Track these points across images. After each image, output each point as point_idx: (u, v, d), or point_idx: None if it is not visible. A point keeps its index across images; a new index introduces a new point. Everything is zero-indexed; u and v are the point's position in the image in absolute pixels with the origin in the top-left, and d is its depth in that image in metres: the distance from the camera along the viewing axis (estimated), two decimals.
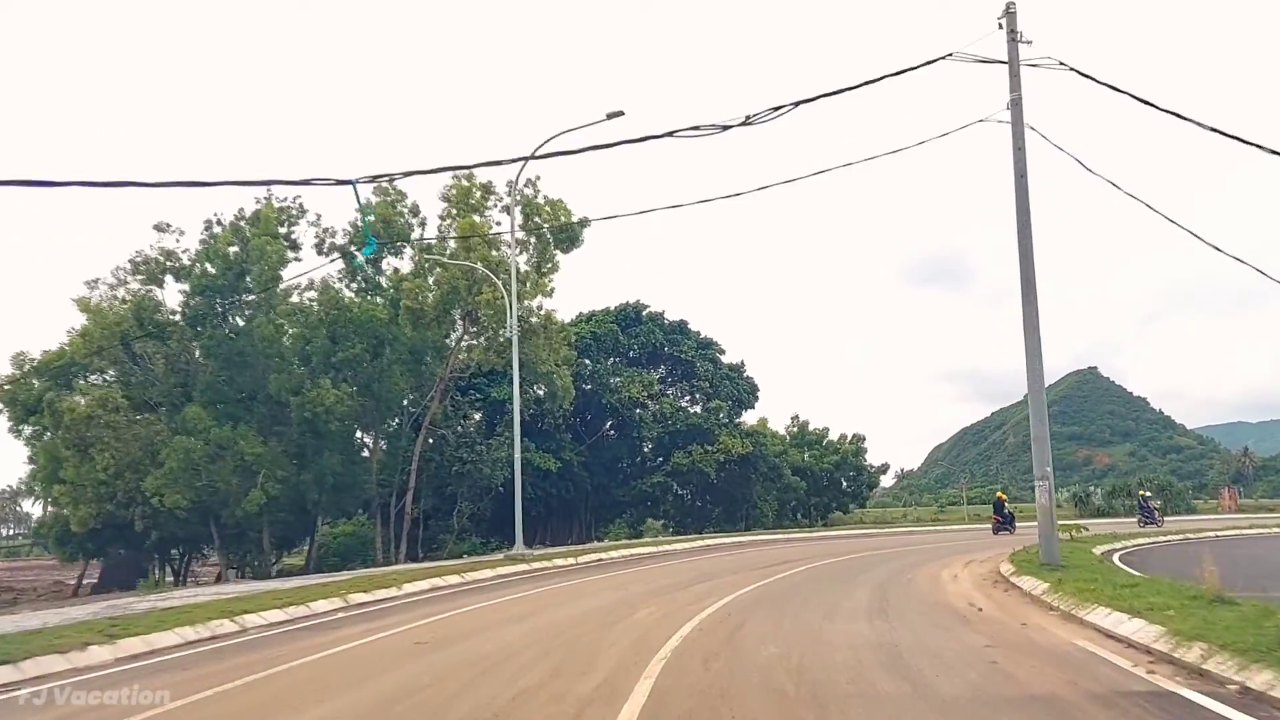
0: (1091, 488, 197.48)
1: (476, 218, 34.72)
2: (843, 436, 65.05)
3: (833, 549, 30.73)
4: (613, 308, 53.73)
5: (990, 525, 38.80)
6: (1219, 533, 35.49)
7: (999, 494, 43.16)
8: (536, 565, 24.89)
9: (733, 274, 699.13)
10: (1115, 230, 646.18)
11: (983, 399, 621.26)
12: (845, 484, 64.35)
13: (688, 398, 55.61)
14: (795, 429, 65.74)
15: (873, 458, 65.49)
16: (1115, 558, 23.67)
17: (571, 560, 26.71)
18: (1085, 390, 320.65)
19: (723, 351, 56.06)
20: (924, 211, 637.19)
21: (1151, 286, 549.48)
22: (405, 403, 39.96)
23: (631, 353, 53.78)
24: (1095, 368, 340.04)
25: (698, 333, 55.47)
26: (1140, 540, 30.73)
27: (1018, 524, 37.10)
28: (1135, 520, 41.54)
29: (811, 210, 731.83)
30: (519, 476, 28.04)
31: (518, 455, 28.10)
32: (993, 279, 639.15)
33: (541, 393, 42.14)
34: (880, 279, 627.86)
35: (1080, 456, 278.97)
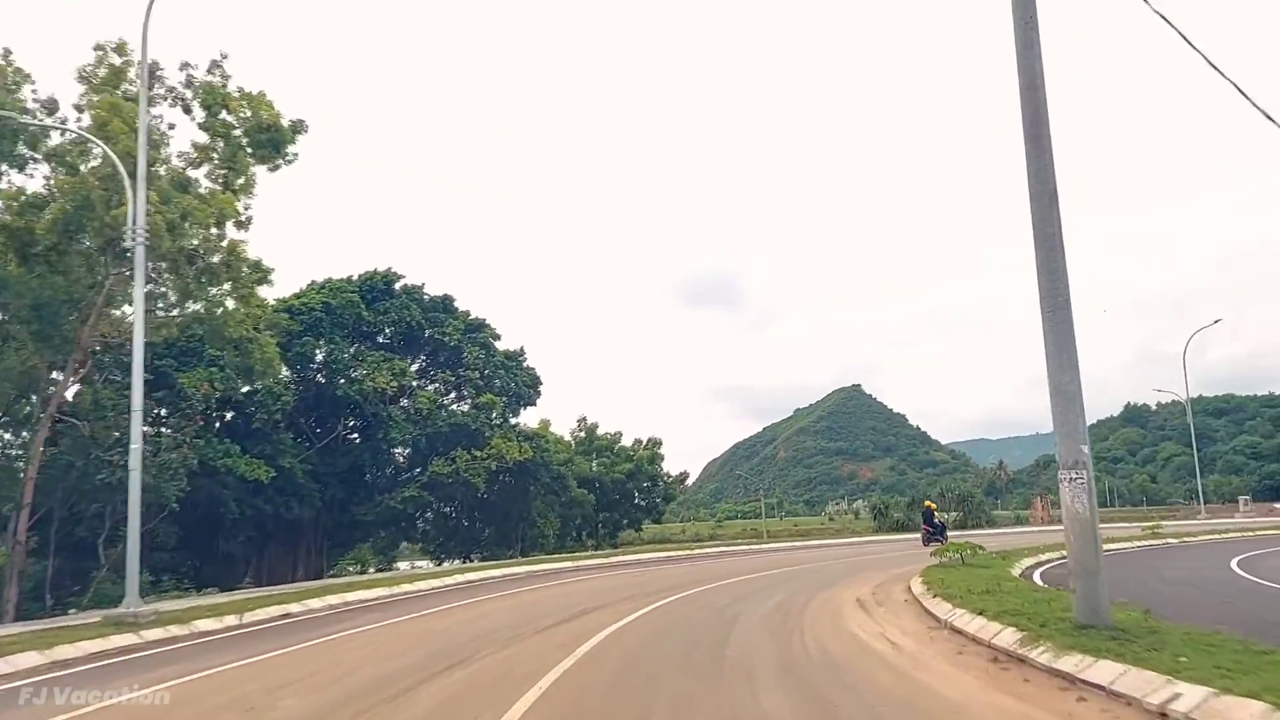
0: (860, 501, 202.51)
1: (121, 97, 22.90)
2: (637, 442, 56.38)
3: (651, 582, 21.55)
4: (356, 276, 42.22)
5: (920, 536, 35.41)
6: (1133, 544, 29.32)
7: (928, 503, 39.19)
8: (149, 636, 13.95)
9: (512, 258, 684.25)
10: (884, 258, 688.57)
11: (753, 415, 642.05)
12: (638, 496, 55.62)
13: (453, 392, 44.86)
14: (583, 433, 56.50)
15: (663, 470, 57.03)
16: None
17: (230, 621, 15.86)
18: (850, 407, 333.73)
19: (497, 336, 45.71)
20: (702, 230, 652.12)
21: (909, 311, 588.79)
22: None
23: (381, 334, 42.57)
24: (859, 385, 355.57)
25: (466, 312, 44.87)
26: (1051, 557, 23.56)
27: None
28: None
29: (601, 208, 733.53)
30: (135, 486, 16.60)
31: (135, 450, 16.65)
32: (762, 301, 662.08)
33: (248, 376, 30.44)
34: (658, 295, 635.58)
35: (845, 471, 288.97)
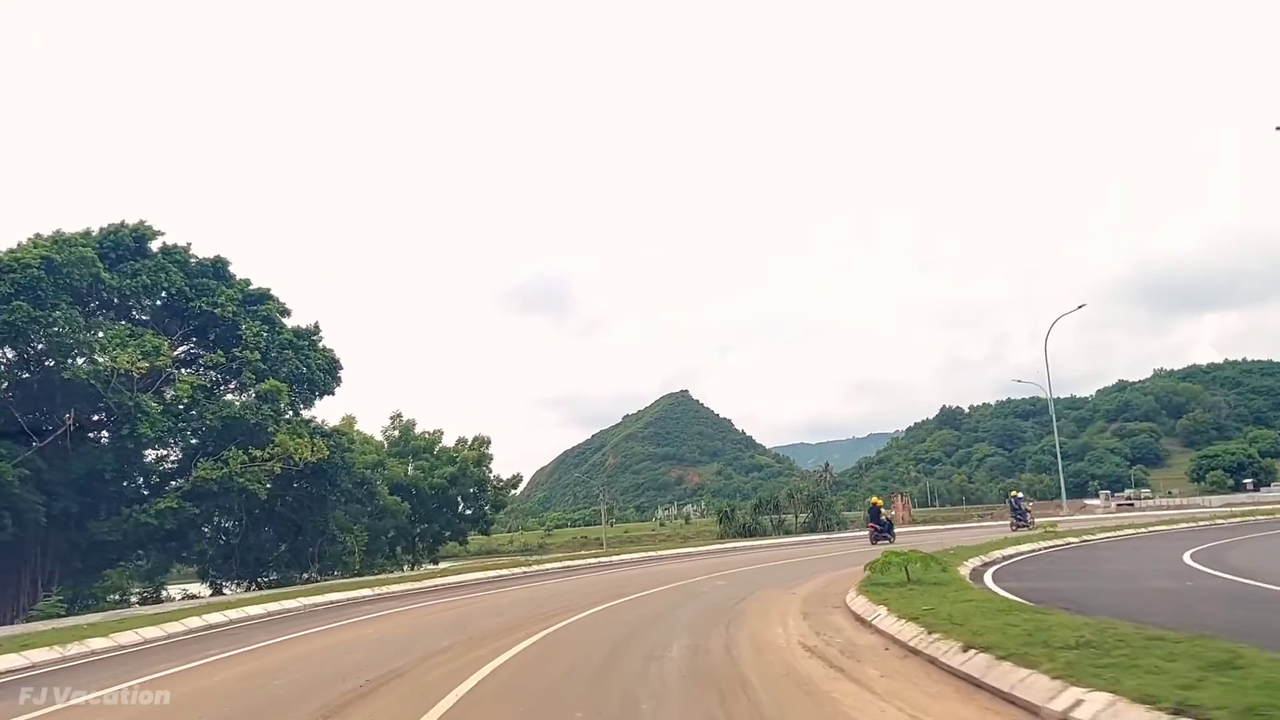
0: (689, 506, 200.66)
1: None
2: (461, 441, 48.89)
3: (476, 620, 14.80)
4: (96, 230, 33.03)
5: (868, 534, 33.41)
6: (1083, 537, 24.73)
7: (875, 500, 36.98)
8: None
9: (314, 236, 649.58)
10: (709, 262, 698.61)
11: (582, 423, 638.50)
12: (463, 504, 48.13)
13: (229, 379, 36.12)
14: (396, 432, 48.56)
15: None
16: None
17: None
18: (678, 412, 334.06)
19: (286, 311, 37.16)
20: (529, 234, 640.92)
21: (732, 316, 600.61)
22: None
23: (131, 304, 33.57)
24: (687, 391, 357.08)
25: (246, 281, 36.32)
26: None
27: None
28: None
29: (423, 206, 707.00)
30: None
31: None
32: (591, 307, 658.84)
33: None
34: (485, 300, 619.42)
35: (673, 476, 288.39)
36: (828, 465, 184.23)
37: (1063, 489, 68.45)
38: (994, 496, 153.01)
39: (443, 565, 46.04)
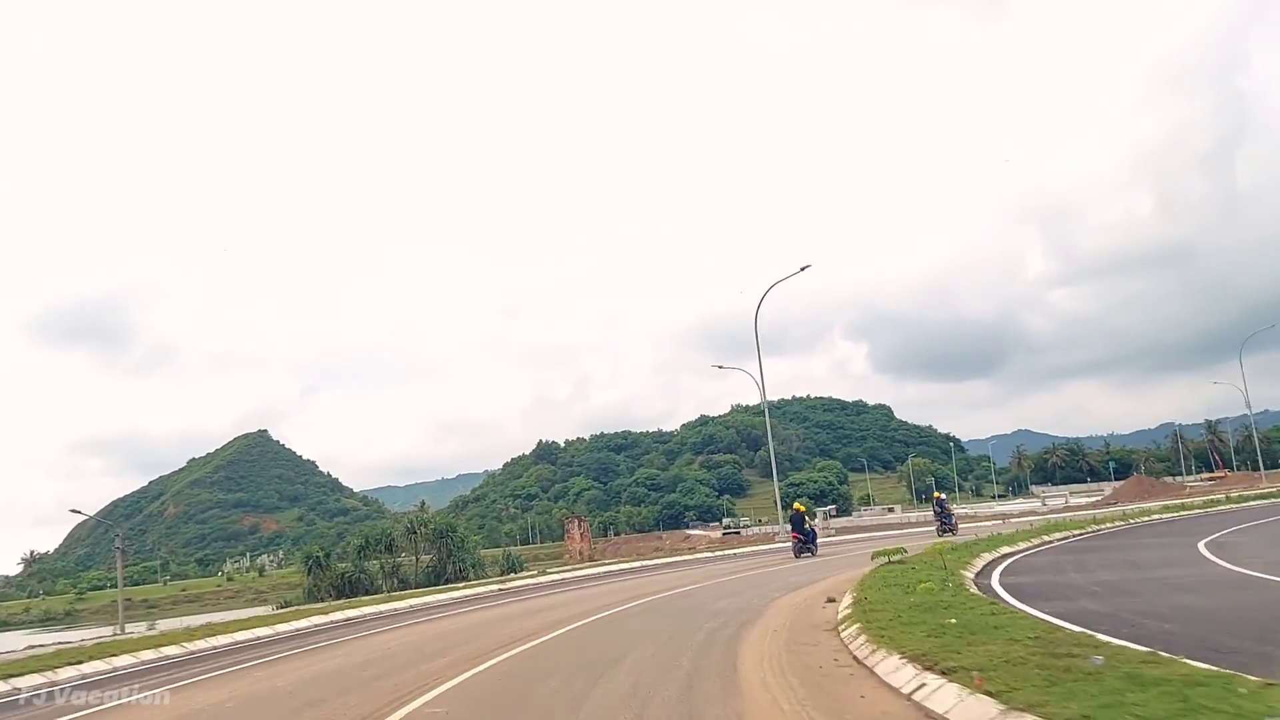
0: (265, 556, 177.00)
1: None
2: None
3: None
4: None
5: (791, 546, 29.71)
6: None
7: (797, 505, 31.17)
8: None
9: None
10: (292, 294, 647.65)
11: (138, 469, 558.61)
12: None
13: None
14: None
15: None
16: None
17: None
18: (255, 454, 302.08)
19: None
20: (70, 247, 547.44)
21: (313, 354, 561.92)
22: None
23: None
24: (266, 431, 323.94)
25: None
26: None
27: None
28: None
29: None
30: None
31: None
32: (151, 338, 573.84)
33: None
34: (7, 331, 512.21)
35: (247, 524, 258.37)
36: (423, 503, 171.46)
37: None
38: (594, 532, 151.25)
39: None
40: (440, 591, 32.18)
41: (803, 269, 45.84)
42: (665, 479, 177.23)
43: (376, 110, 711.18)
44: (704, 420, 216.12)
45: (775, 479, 39.78)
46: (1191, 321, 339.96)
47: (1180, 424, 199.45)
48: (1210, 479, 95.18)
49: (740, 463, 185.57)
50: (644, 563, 39.16)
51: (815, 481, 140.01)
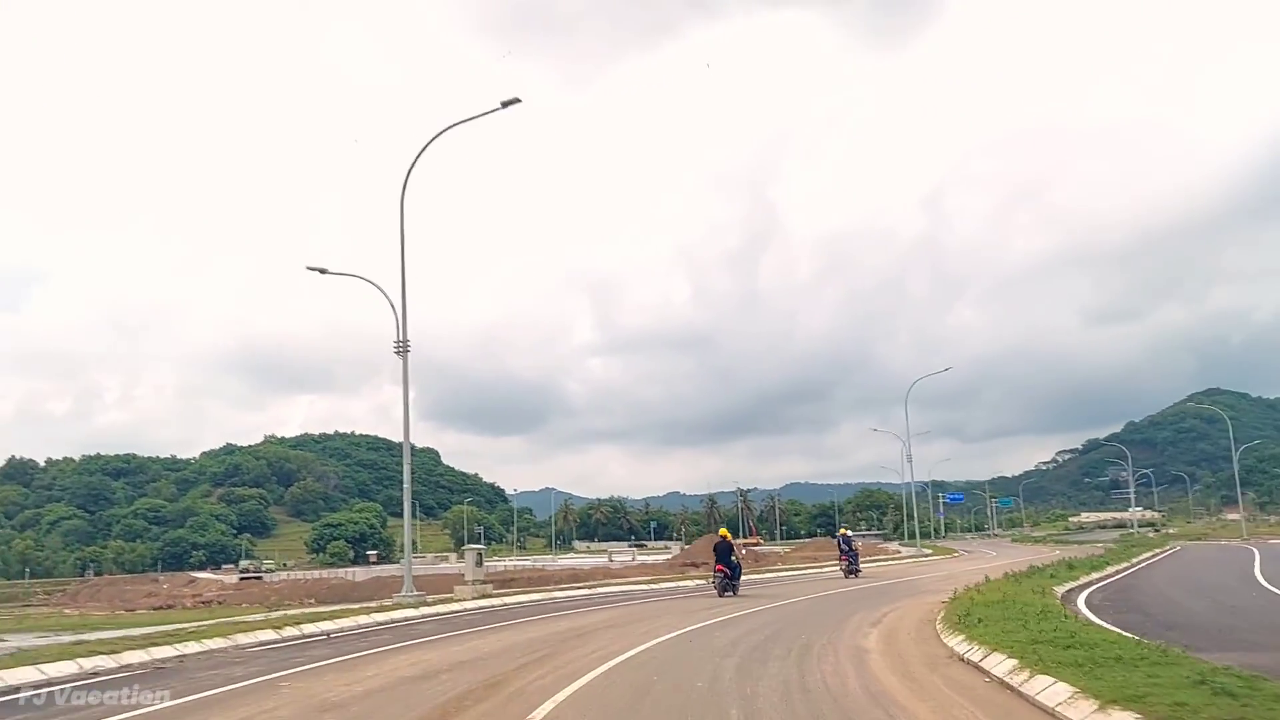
0: None
1: None
2: None
3: None
4: None
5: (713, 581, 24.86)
6: None
7: (723, 533, 26.90)
8: None
9: None
10: None
11: None
12: None
13: None
14: None
15: None
16: None
17: None
18: None
19: None
20: None
21: None
22: None
23: None
24: None
25: None
26: None
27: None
28: None
29: None
30: None
31: None
32: None
33: None
34: None
35: None
36: None
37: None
38: (69, 568, 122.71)
39: None
40: None
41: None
42: (173, 511, 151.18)
43: None
44: (230, 449, 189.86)
45: (408, 518, 28.80)
46: (701, 401, 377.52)
47: (684, 493, 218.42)
48: (748, 543, 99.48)
49: (268, 498, 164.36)
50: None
51: (355, 522, 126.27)
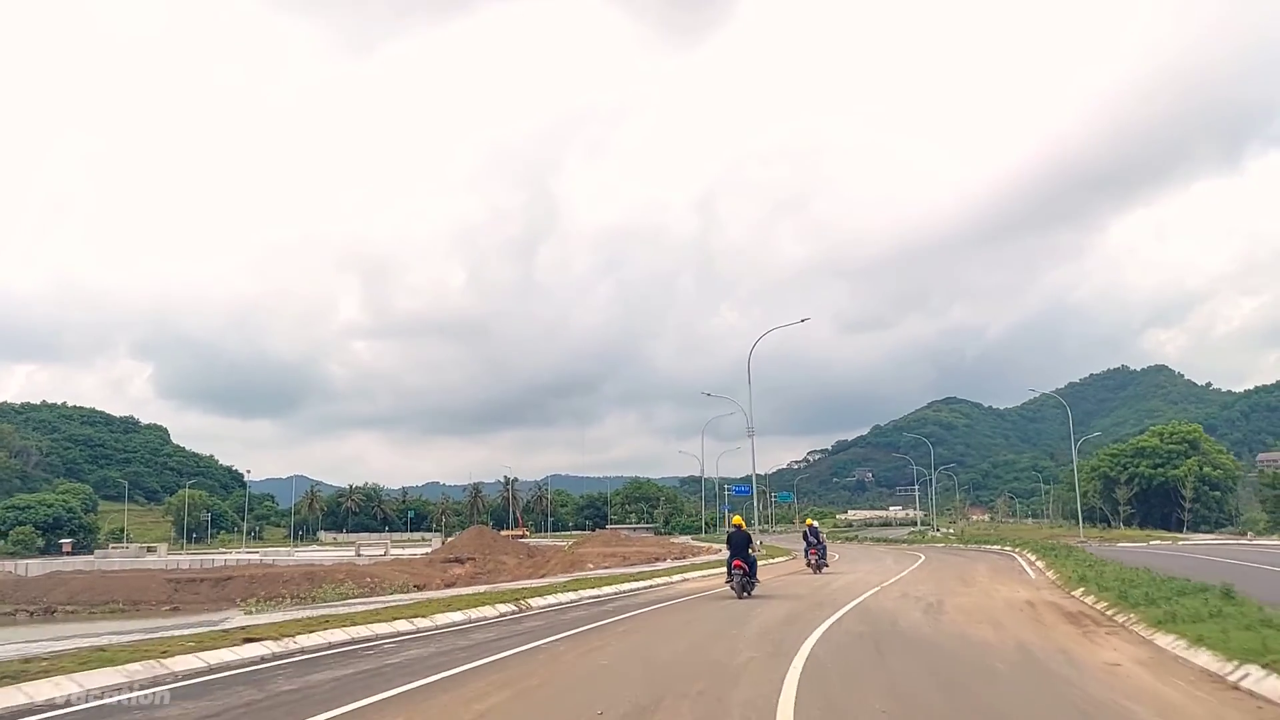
0: None
1: None
2: None
3: None
4: None
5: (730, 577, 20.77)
6: None
7: (736, 519, 22.22)
8: None
9: None
10: None
11: None
12: None
13: None
14: None
15: None
16: None
17: None
18: None
19: None
20: None
21: None
22: None
23: None
24: None
25: None
26: None
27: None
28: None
29: None
30: None
31: None
32: None
33: None
34: None
35: None
36: None
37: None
38: None
39: None
40: None
41: None
42: None
43: None
44: None
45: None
46: (470, 390, 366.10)
47: (444, 483, 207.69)
48: (514, 535, 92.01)
49: None
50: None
51: (50, 505, 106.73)
